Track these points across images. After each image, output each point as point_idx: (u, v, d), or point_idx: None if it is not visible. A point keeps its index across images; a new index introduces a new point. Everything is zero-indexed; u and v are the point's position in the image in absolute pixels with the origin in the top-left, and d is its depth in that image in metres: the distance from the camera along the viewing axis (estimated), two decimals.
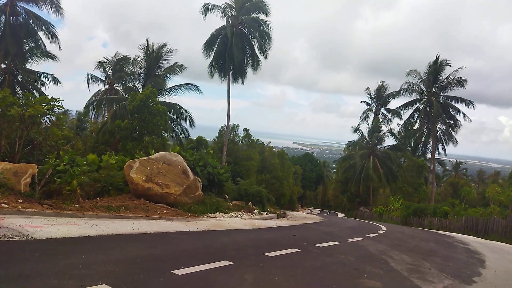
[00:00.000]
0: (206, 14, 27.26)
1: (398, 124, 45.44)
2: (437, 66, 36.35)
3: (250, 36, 27.78)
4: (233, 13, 27.85)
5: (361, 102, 49.52)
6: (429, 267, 5.79)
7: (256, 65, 28.01)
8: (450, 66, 36.40)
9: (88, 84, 29.37)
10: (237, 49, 26.21)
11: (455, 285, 4.71)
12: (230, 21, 27.45)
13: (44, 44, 24.64)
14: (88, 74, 29.38)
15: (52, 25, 23.87)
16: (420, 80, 37.97)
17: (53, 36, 23.86)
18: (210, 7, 27.18)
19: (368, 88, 48.45)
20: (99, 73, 30.52)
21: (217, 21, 27.74)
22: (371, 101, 48.68)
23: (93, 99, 29.41)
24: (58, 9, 23.38)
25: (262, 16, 27.54)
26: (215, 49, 27.39)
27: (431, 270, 5.59)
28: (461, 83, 35.79)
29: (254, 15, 27.70)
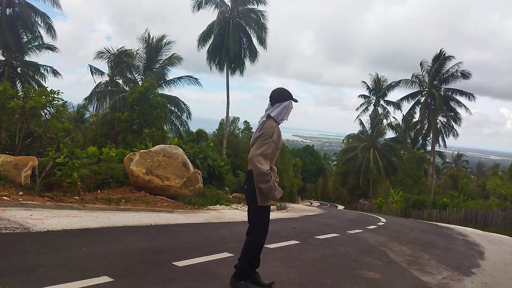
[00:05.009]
0: (198, 9, 27.03)
1: (396, 117, 45.41)
2: (440, 59, 36.24)
3: (247, 28, 27.60)
4: (229, 4, 27.63)
5: (358, 96, 49.49)
6: (428, 259, 5.83)
7: (253, 56, 27.88)
8: (452, 58, 36.30)
9: (92, 75, 29.28)
10: (233, 41, 26.04)
11: (454, 277, 4.74)
12: (226, 13, 27.25)
13: (41, 35, 24.49)
14: (91, 66, 29.25)
15: (48, 16, 23.69)
16: (425, 72, 37.94)
17: (49, 27, 23.67)
18: (203, 1, 26.90)
19: (364, 82, 48.38)
20: (99, 65, 30.37)
21: (216, 12, 27.60)
22: (370, 93, 48.59)
23: (94, 91, 29.33)
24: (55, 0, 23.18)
25: (259, 7, 27.39)
26: (211, 41, 27.24)
27: (430, 261, 5.62)
28: (465, 76, 35.76)
29: (250, 6, 27.52)
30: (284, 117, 3.39)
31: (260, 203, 3.26)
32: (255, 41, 27.51)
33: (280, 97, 3.39)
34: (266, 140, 3.21)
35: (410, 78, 39.18)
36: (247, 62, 28.37)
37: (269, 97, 3.43)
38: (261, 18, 26.95)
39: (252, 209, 3.35)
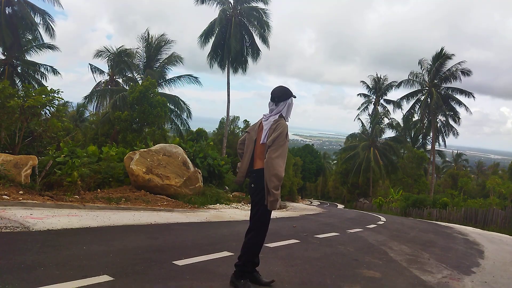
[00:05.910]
0: (202, 2, 27.03)
1: (397, 116, 45.46)
2: (440, 58, 36.19)
3: (249, 26, 27.55)
4: (232, 1, 27.58)
5: (358, 95, 49.55)
6: (428, 258, 5.83)
7: (255, 55, 27.84)
8: (453, 57, 36.24)
9: (93, 74, 29.31)
10: (235, 39, 26.01)
11: (454, 276, 4.74)
12: (228, 11, 27.21)
13: (41, 34, 24.48)
14: (91, 65, 29.27)
15: (48, 14, 23.66)
16: (424, 70, 37.92)
17: (48, 26, 23.66)
18: None
19: (363, 81, 48.42)
20: (99, 64, 30.42)
21: (218, 10, 27.55)
22: (370, 92, 48.62)
23: (94, 90, 29.34)
24: None
25: (261, 5, 27.34)
26: (213, 39, 27.20)
27: (430, 260, 5.63)
28: (465, 74, 35.72)
29: (253, 4, 27.47)
30: (290, 115, 3.46)
31: (271, 207, 3.20)
32: (257, 39, 27.43)
33: (285, 95, 3.39)
34: (284, 141, 3.19)
35: (409, 75, 39.14)
36: (249, 60, 28.34)
37: (272, 96, 3.40)
38: (264, 16, 26.88)
39: (256, 209, 3.34)
